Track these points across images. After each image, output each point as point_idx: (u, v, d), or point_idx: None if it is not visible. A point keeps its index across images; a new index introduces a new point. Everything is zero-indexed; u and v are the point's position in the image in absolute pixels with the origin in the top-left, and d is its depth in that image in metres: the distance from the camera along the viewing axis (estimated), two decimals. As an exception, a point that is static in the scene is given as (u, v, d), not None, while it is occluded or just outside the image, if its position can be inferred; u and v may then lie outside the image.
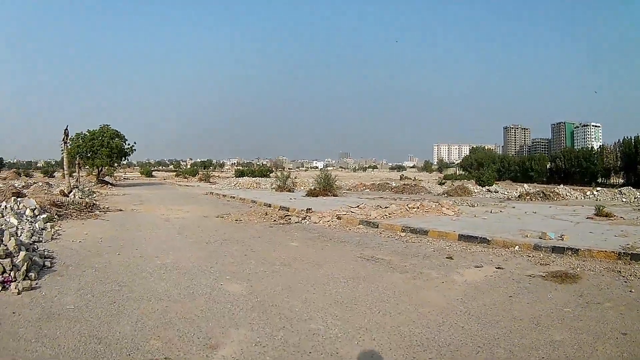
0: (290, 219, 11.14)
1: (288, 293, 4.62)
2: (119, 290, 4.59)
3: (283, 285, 4.94)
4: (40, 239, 7.45)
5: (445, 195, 22.00)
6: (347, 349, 3.24)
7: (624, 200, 18.18)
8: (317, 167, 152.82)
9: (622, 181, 40.29)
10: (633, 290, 4.72)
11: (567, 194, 20.70)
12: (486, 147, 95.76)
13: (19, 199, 10.84)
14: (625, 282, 5.09)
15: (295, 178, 27.81)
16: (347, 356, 3.14)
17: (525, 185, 28.73)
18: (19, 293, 4.33)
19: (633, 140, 42.42)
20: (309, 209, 12.45)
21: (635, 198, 18.21)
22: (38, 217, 9.31)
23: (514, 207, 14.08)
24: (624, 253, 6.21)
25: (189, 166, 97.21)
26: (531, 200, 18.55)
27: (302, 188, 24.99)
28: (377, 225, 9.57)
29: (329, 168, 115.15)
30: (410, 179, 48.04)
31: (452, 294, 4.67)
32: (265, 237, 8.41)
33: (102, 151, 31.36)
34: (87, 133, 32.14)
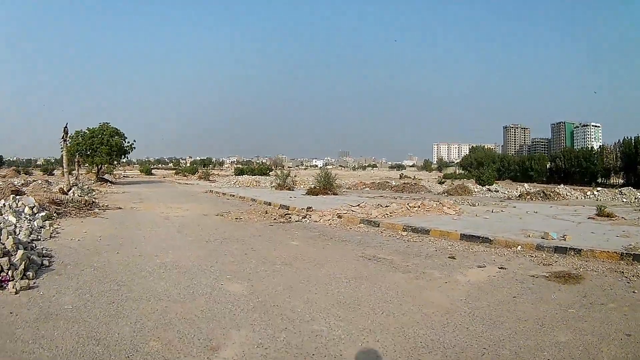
0: (290, 217, 11.08)
1: (289, 293, 4.56)
2: (117, 290, 4.52)
3: (284, 285, 4.88)
4: (39, 237, 7.38)
5: (446, 194, 21.95)
6: (351, 351, 3.19)
7: (624, 200, 18.13)
8: (316, 166, 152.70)
9: (622, 181, 40.27)
10: (636, 291, 4.68)
11: (568, 193, 20.66)
12: (486, 147, 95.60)
13: (17, 197, 10.77)
14: (628, 282, 5.05)
15: (294, 176, 27.76)
16: (351, 359, 3.08)
17: (525, 184, 28.69)
18: (16, 292, 4.26)
19: (633, 141, 42.37)
20: (310, 208, 12.38)
21: (635, 199, 18.16)
22: (37, 215, 9.24)
23: (514, 207, 14.03)
24: (626, 254, 6.16)
25: (188, 164, 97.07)
26: (532, 199, 18.51)
27: (301, 187, 24.94)
28: (378, 224, 9.52)
29: (328, 167, 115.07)
30: (410, 178, 48.03)
31: (456, 294, 4.62)
32: (265, 236, 8.35)
33: (101, 149, 31.23)
34: (86, 131, 31.99)
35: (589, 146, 59.80)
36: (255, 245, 7.36)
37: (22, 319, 3.61)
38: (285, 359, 3.06)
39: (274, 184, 24.90)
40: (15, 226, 7.69)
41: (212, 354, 3.08)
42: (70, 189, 17.46)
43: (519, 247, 7.05)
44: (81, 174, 31.62)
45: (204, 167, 73.60)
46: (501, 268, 5.77)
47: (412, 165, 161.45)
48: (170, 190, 25.35)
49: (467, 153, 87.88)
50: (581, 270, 5.65)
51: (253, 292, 4.56)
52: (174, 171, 68.94)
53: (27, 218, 8.75)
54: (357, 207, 11.92)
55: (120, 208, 13.24)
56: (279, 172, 28.10)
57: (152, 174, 60.60)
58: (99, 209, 12.38)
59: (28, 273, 4.77)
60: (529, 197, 19.13)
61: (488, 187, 25.74)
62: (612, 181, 43.45)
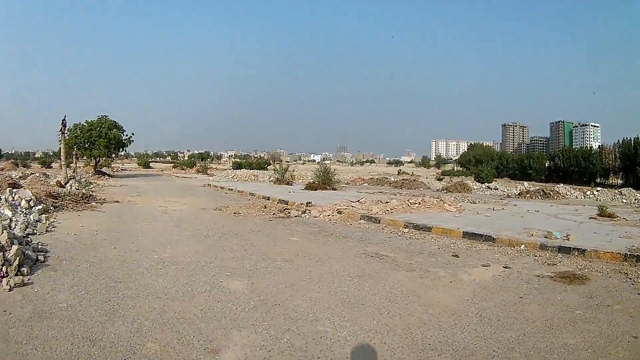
0: (289, 212, 10.97)
1: (291, 291, 4.45)
2: (114, 287, 4.39)
3: (286, 282, 4.77)
4: (35, 231, 7.23)
5: (445, 191, 21.89)
6: (357, 354, 3.08)
7: (624, 201, 18.08)
8: (314, 161, 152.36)
9: (621, 182, 40.22)
10: (641, 293, 4.62)
11: (567, 193, 20.62)
12: (484, 144, 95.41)
13: (14, 190, 10.59)
14: (633, 284, 5.00)
15: (293, 171, 27.62)
16: (357, 362, 2.98)
17: (525, 183, 28.61)
18: (10, 289, 4.13)
19: (633, 142, 42.25)
20: (309, 203, 12.28)
21: (635, 199, 18.11)
22: (33, 208, 9.09)
23: (515, 205, 13.96)
24: (630, 255, 6.10)
25: (186, 158, 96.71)
26: (531, 198, 18.46)
27: (300, 181, 24.82)
28: (379, 221, 9.42)
29: (326, 162, 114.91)
30: (408, 174, 47.88)
31: (462, 293, 4.52)
32: (264, 231, 8.23)
33: (99, 142, 31.01)
34: (85, 124, 31.76)
35: (588, 146, 59.77)
36: (254, 240, 7.24)
37: (16, 318, 3.48)
38: (289, 362, 2.95)
39: (272, 178, 24.78)
40: (11, 220, 7.55)
41: (212, 356, 2.96)
42: (68, 182, 17.27)
43: (523, 246, 6.97)
44: (79, 166, 31.30)
45: (202, 160, 73.21)
46: (506, 267, 5.68)
47: (410, 162, 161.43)
48: (168, 183, 25.19)
49: (466, 150, 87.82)
50: (586, 270, 5.58)
51: (253, 290, 4.44)
52: (172, 164, 68.62)
53: (23, 212, 8.59)
54: (357, 203, 11.81)
55: (117, 201, 13.09)
56: (277, 166, 27.92)
57: (150, 167, 60.32)
58: (96, 202, 12.23)
59: (22, 269, 4.63)
60: (528, 195, 19.08)
61: (487, 184, 25.67)
62: (610, 181, 43.36)
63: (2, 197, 9.53)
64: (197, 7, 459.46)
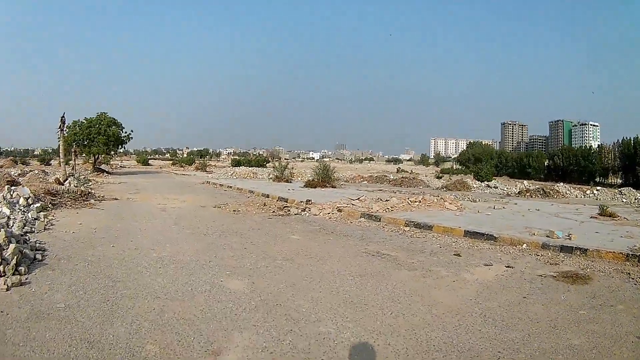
0: (289, 210, 10.91)
1: (293, 291, 4.39)
2: (112, 287, 4.32)
3: (287, 282, 4.71)
4: (33, 229, 7.16)
5: (445, 189, 21.85)
6: (361, 356, 3.03)
7: (624, 200, 18.04)
8: (313, 158, 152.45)
9: (620, 181, 40.14)
10: (643, 293, 4.60)
11: (567, 192, 20.56)
12: (483, 143, 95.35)
13: (12, 188, 10.50)
14: (635, 284, 4.98)
15: (292, 168, 27.54)
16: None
17: (525, 181, 28.56)
18: (7, 289, 4.06)
19: (632, 141, 42.20)
20: (309, 201, 12.22)
21: (635, 199, 18.07)
22: (31, 206, 9.00)
23: (516, 204, 13.91)
24: (632, 255, 6.07)
25: (185, 155, 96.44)
26: (531, 197, 18.41)
27: (299, 179, 24.75)
28: (380, 219, 9.37)
29: (325, 159, 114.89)
30: (407, 172, 47.76)
31: (465, 293, 4.48)
32: (264, 229, 8.17)
33: (98, 139, 30.83)
34: (84, 121, 31.58)
35: (587, 145, 59.79)
36: (254, 238, 7.18)
37: (13, 319, 3.41)
38: (291, 364, 2.89)
39: (271, 175, 24.70)
40: (9, 218, 7.47)
41: (213, 359, 2.90)
42: (67, 179, 17.17)
43: (525, 245, 6.93)
44: (78, 164, 31.13)
45: (200, 158, 72.88)
46: (508, 267, 5.64)
47: (409, 160, 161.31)
48: (167, 180, 25.09)
49: (465, 148, 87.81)
50: (588, 270, 5.55)
51: (254, 290, 4.38)
52: (170, 162, 68.43)
53: (21, 209, 8.51)
54: (357, 201, 11.77)
55: (116, 199, 13.01)
56: (276, 163, 27.87)
57: (149, 165, 60.10)
58: (95, 200, 12.14)
59: (20, 268, 4.55)
60: (528, 194, 19.04)
61: (487, 183, 25.62)
62: (610, 181, 43.29)
63: (1, 194, 9.44)
64: (197, 7, 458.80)
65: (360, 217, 9.76)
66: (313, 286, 4.58)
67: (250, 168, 38.35)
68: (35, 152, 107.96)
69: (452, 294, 4.47)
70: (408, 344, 3.21)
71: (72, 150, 28.25)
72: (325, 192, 16.00)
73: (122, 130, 33.35)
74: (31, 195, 9.92)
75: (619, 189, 21.59)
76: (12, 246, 4.72)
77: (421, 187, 23.53)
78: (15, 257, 4.60)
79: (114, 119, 32.77)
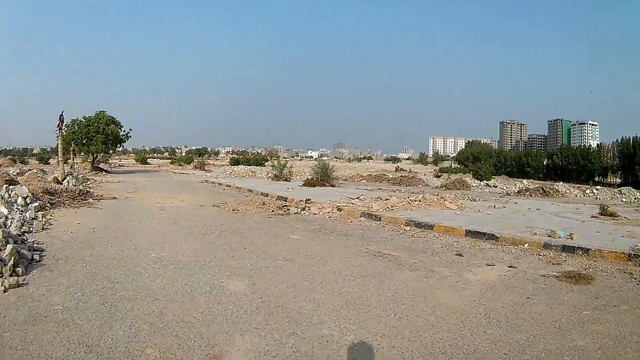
0: (288, 209, 10.85)
1: (294, 292, 4.33)
2: (111, 288, 4.25)
3: (288, 283, 4.65)
4: (31, 229, 7.08)
5: (444, 188, 21.83)
6: (366, 359, 2.98)
7: (624, 200, 18.05)
8: (311, 157, 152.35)
9: (620, 181, 40.28)
10: (646, 293, 4.57)
11: (567, 191, 20.58)
12: (482, 141, 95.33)
13: (11, 187, 10.41)
14: (638, 284, 4.96)
15: (291, 167, 27.49)
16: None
17: (524, 181, 28.60)
18: (5, 290, 3.99)
19: (631, 141, 42.27)
20: (308, 200, 12.15)
21: (635, 199, 18.09)
22: (30, 205, 8.92)
23: (516, 203, 13.88)
24: (634, 255, 6.04)
25: (184, 154, 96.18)
26: (531, 196, 18.41)
27: (298, 178, 24.68)
28: (380, 218, 9.32)
29: (323, 158, 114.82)
30: (406, 170, 47.73)
31: (468, 294, 4.44)
32: (264, 229, 8.12)
33: (97, 138, 30.66)
34: (82, 119, 31.43)
35: (586, 144, 59.85)
36: (254, 238, 7.12)
37: (11, 321, 3.35)
38: (295, 368, 2.84)
39: (270, 174, 24.63)
40: (7, 218, 7.38)
41: (215, 363, 2.85)
42: (65, 178, 17.07)
43: (526, 245, 6.89)
44: (77, 162, 30.97)
45: (199, 156, 72.54)
46: (511, 267, 5.60)
47: (408, 158, 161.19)
48: (165, 179, 24.97)
49: (463, 147, 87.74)
50: (590, 270, 5.52)
51: (255, 291, 4.32)
52: (169, 160, 68.19)
53: (19, 209, 8.42)
54: (356, 200, 11.72)
55: (114, 198, 12.92)
56: (275, 162, 27.80)
57: (147, 163, 59.89)
58: (94, 199, 12.05)
59: (17, 269, 4.48)
60: (528, 193, 19.04)
61: (487, 182, 25.62)
62: (609, 180, 43.41)
63: (-2, 194, 9.36)
64: (197, 7, 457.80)
65: (361, 216, 9.71)
66: (315, 287, 4.53)
67: (248, 167, 38.23)
68: (34, 151, 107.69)
69: (455, 294, 4.42)
70: (413, 346, 3.16)
71: (71, 149, 28.09)
72: (325, 191, 15.94)
73: (120, 129, 33.18)
74: (29, 194, 9.83)
75: (619, 188, 21.63)
76: (9, 247, 4.66)
77: (420, 186, 23.50)
78: (13, 258, 4.53)
79: (113, 117, 32.59)
